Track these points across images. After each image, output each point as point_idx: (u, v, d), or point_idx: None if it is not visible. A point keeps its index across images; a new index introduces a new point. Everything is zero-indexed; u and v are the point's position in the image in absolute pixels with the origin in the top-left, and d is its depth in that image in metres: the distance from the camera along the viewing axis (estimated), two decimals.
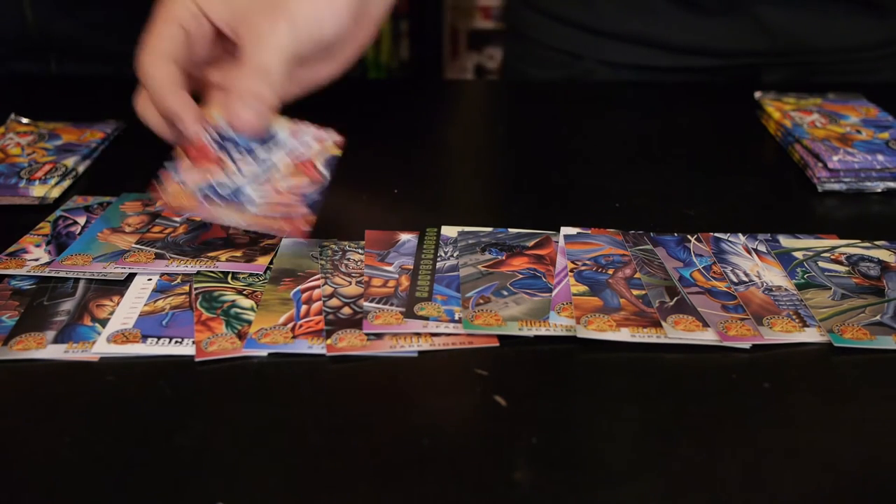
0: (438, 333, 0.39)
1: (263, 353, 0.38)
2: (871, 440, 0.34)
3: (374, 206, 0.52)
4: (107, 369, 0.37)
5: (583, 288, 0.42)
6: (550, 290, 0.42)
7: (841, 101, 0.66)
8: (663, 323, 0.39)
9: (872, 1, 0.76)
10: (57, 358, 0.37)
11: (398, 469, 0.32)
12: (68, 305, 0.41)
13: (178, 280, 0.43)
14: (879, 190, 0.55)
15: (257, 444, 0.33)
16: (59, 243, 0.46)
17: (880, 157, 0.55)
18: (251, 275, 0.43)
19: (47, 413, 0.35)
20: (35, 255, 0.45)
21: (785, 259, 0.45)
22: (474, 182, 0.59)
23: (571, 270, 0.44)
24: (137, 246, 0.45)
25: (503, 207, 0.53)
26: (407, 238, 0.47)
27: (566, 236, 0.47)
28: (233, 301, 0.41)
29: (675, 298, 0.41)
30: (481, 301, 0.41)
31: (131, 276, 0.43)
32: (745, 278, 0.44)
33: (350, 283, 0.43)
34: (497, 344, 0.39)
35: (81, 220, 0.49)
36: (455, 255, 0.45)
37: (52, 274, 0.43)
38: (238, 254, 0.44)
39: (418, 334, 0.39)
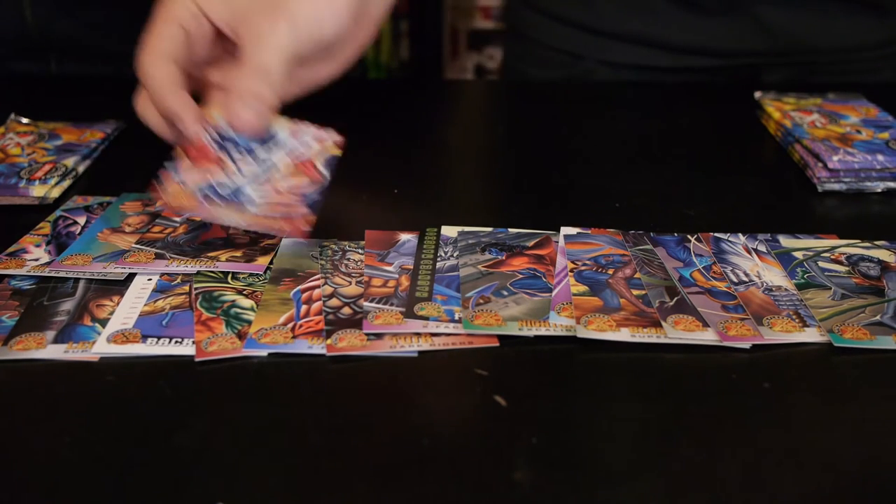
0: (438, 333, 0.39)
1: (263, 353, 0.38)
2: (871, 440, 0.34)
3: (374, 206, 0.52)
4: (107, 369, 0.37)
5: (583, 288, 0.42)
6: (550, 290, 0.42)
7: (841, 101, 0.66)
8: (663, 323, 0.39)
9: (872, 1, 0.76)
10: (57, 358, 0.37)
11: (398, 469, 0.32)
12: (68, 305, 0.41)
13: (178, 280, 0.43)
14: (879, 190, 0.55)
15: (257, 444, 0.33)
16: (59, 243, 0.46)
17: (880, 157, 0.55)
18: (251, 275, 0.43)
19: (47, 413, 0.35)
20: (35, 255, 0.45)
21: (785, 259, 0.45)
22: (474, 182, 0.59)
23: (571, 270, 0.44)
24: (137, 246, 0.45)
25: (503, 207, 0.53)
26: (407, 238, 0.47)
27: (566, 236, 0.47)
28: (233, 301, 0.41)
29: (675, 298, 0.41)
30: (481, 301, 0.41)
31: (131, 276, 0.43)
32: (745, 278, 0.44)
33: (350, 283, 0.43)
34: (497, 344, 0.39)
35: (81, 220, 0.49)
36: (455, 255, 0.45)
37: (52, 274, 0.43)
38: (238, 254, 0.44)
39: (418, 334, 0.39)
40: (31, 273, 0.43)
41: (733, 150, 0.62)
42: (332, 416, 0.35)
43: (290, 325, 0.39)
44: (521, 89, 0.80)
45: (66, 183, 0.54)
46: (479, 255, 0.45)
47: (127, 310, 0.40)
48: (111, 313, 0.40)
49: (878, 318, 0.40)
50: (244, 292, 0.42)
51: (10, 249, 0.45)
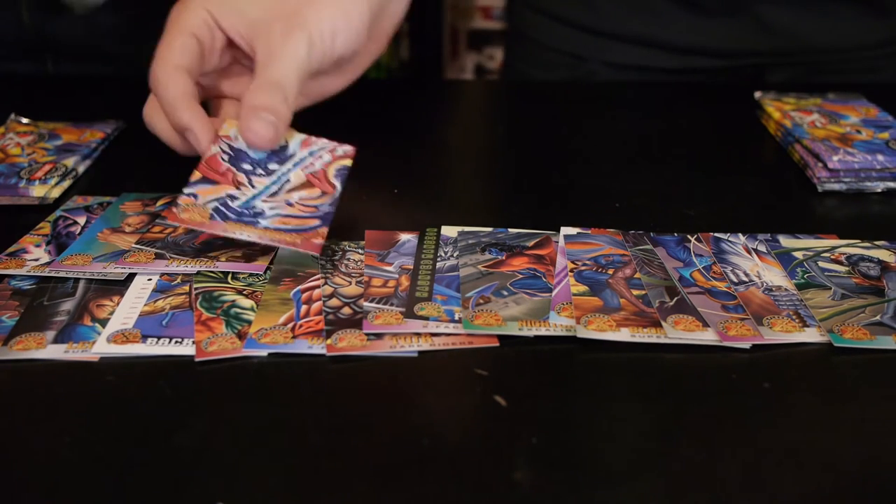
0: (438, 333, 0.39)
1: (263, 353, 0.38)
2: (871, 440, 0.34)
3: (374, 206, 0.52)
4: (107, 369, 0.37)
5: (583, 288, 0.42)
6: (550, 290, 0.42)
7: (841, 101, 0.66)
8: (663, 323, 0.39)
9: (873, 1, 0.76)
10: (57, 358, 0.37)
11: (398, 469, 0.32)
12: (68, 305, 0.41)
13: (178, 280, 0.43)
14: (879, 190, 0.55)
15: (257, 444, 0.33)
16: (59, 243, 0.46)
17: (880, 157, 0.55)
18: (251, 275, 0.43)
19: (47, 413, 0.35)
20: (35, 255, 0.45)
21: (785, 259, 0.45)
22: (474, 182, 0.59)
23: (571, 270, 0.44)
24: (137, 246, 0.45)
25: (503, 207, 0.53)
26: (407, 238, 0.47)
27: (566, 236, 0.47)
28: (233, 301, 0.41)
29: (675, 298, 0.41)
30: (481, 301, 0.41)
31: (131, 276, 0.43)
32: (745, 278, 0.44)
33: (350, 283, 0.43)
34: (497, 344, 0.39)
35: (81, 220, 0.49)
36: (455, 255, 0.45)
37: (52, 274, 0.43)
38: (238, 254, 0.44)
39: (418, 334, 0.39)
40: (31, 273, 0.43)
41: (733, 150, 0.62)
42: (332, 416, 0.35)
43: (290, 325, 0.39)
44: (522, 89, 0.80)
45: (66, 183, 0.54)
46: (479, 255, 0.45)
47: (127, 310, 0.40)
48: (111, 313, 0.40)
49: (878, 318, 0.40)
50: (244, 292, 0.42)
51: (10, 249, 0.45)
